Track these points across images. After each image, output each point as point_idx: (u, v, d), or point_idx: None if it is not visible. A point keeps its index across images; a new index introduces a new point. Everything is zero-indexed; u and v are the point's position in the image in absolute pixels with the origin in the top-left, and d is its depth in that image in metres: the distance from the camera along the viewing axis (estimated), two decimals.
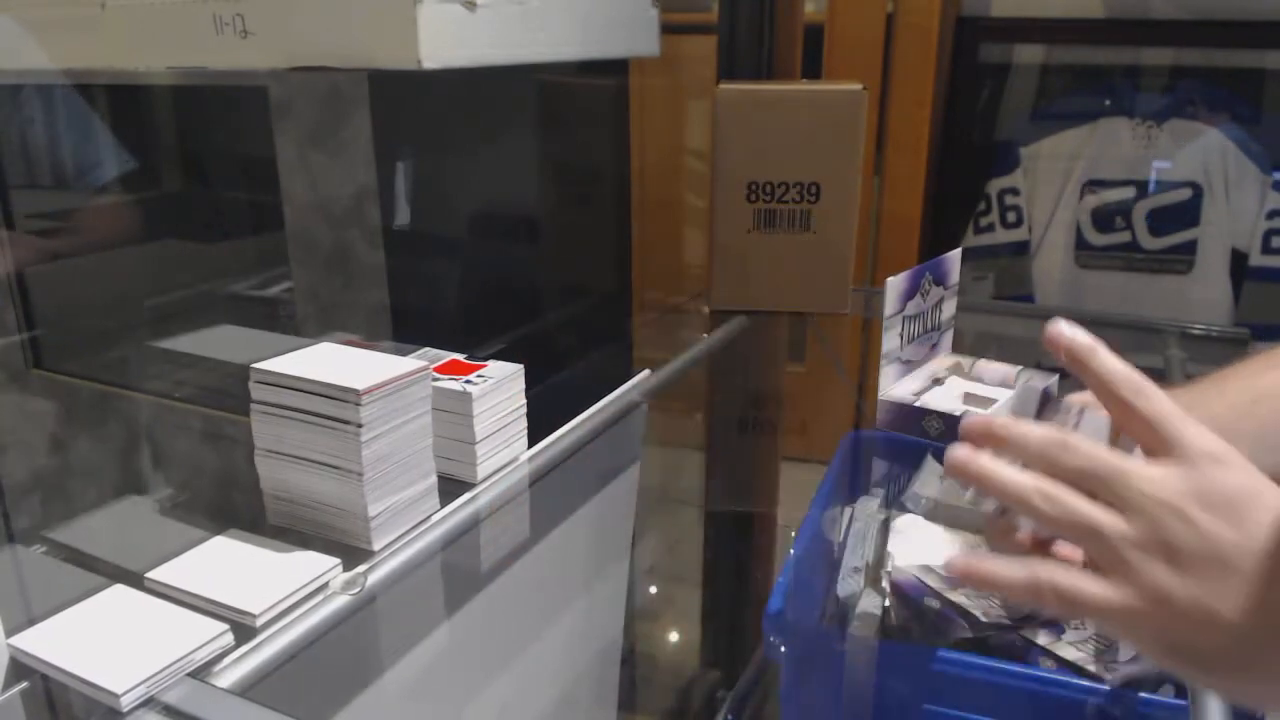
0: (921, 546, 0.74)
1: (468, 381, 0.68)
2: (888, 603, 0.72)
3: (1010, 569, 0.41)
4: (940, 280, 0.92)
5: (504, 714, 0.78)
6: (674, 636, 1.37)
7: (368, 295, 1.00)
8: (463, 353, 0.72)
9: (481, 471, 0.69)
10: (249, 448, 0.63)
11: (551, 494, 0.76)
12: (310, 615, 0.55)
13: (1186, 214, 1.89)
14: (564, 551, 0.83)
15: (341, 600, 0.57)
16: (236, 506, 0.75)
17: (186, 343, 1.17)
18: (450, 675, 0.71)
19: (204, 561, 0.58)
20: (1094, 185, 1.95)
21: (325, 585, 0.57)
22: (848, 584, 0.76)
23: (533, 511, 0.74)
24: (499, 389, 0.69)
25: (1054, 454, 0.41)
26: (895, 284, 0.85)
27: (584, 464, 0.80)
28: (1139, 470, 0.40)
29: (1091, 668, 0.62)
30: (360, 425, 0.57)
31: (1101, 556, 0.40)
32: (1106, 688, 0.60)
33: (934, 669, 0.62)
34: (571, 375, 1.06)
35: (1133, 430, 0.42)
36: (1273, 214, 1.83)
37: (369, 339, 1.01)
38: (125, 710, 0.47)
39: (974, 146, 2.06)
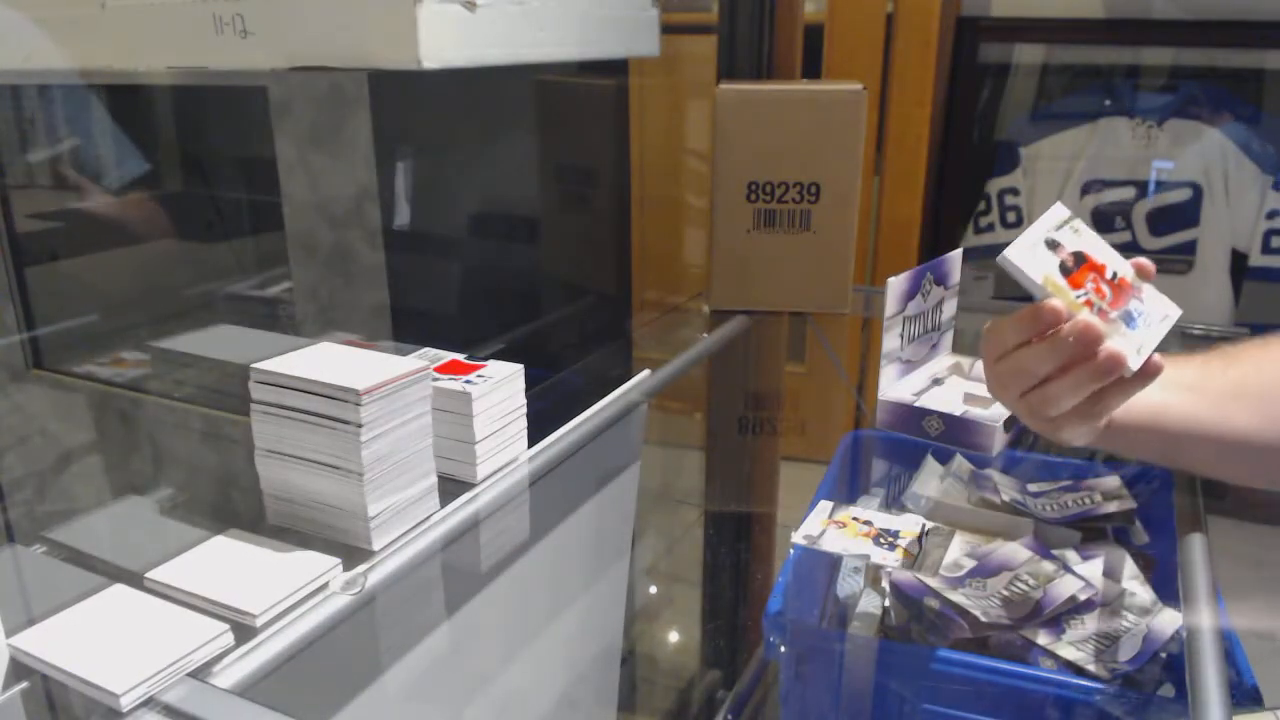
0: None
1: (468, 381, 0.68)
2: (887, 603, 0.72)
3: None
4: (941, 280, 0.92)
5: (504, 714, 0.78)
6: (674, 636, 1.37)
7: (368, 295, 1.00)
8: (463, 353, 0.72)
9: (481, 471, 0.69)
10: (249, 448, 0.62)
11: (551, 494, 0.76)
12: (310, 615, 0.55)
13: (1186, 214, 1.89)
14: (564, 551, 0.83)
15: (341, 600, 0.57)
16: (236, 506, 0.75)
17: (186, 343, 1.17)
18: (450, 676, 0.71)
19: (204, 561, 0.58)
20: (1094, 185, 1.95)
21: (325, 585, 0.57)
22: (848, 584, 0.76)
23: (533, 511, 0.74)
24: (499, 389, 0.69)
25: None
26: (896, 284, 0.85)
27: (584, 464, 0.80)
28: None
29: (1091, 668, 0.62)
30: (360, 425, 0.57)
31: None
32: (1106, 688, 0.60)
33: (934, 669, 0.62)
34: (571, 375, 1.06)
35: None
36: (1273, 214, 1.83)
37: (369, 339, 1.01)
38: (125, 710, 0.47)
39: (974, 146, 2.06)
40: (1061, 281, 0.58)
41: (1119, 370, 0.56)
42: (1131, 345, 0.57)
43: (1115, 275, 0.60)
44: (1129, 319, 0.59)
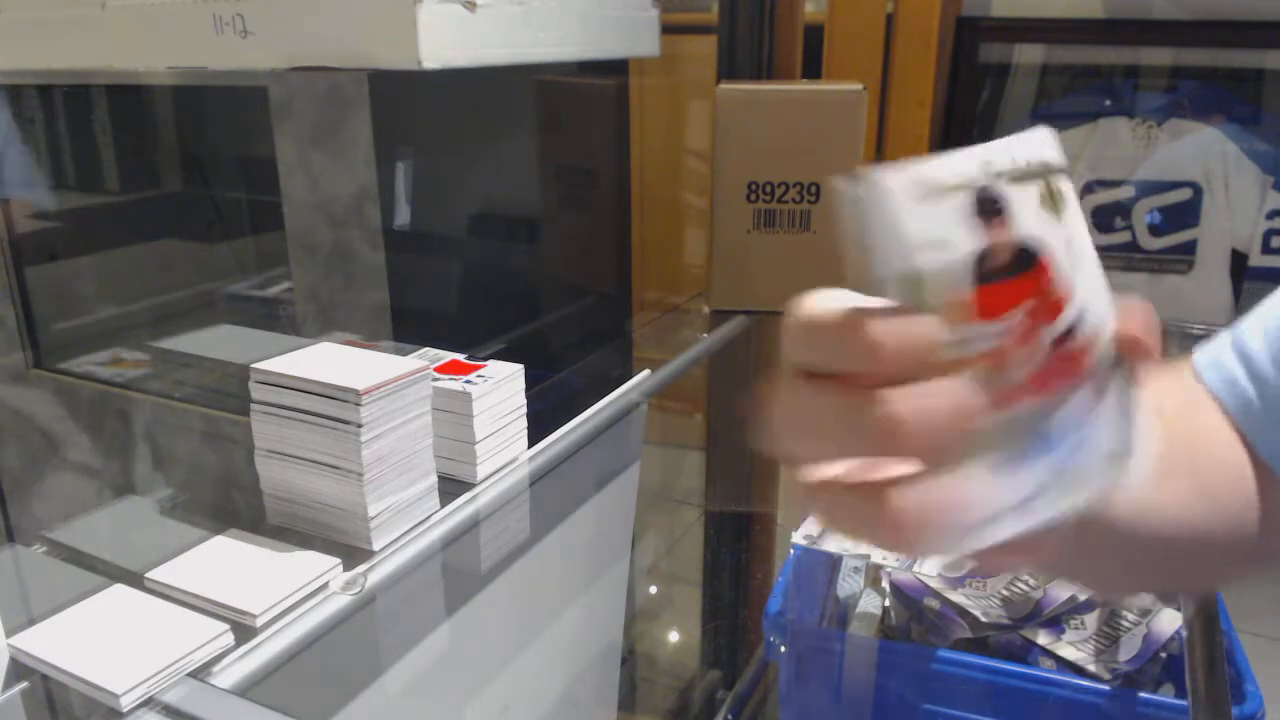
0: None
1: (468, 381, 0.68)
2: (887, 603, 0.72)
3: None
4: None
5: (504, 714, 0.78)
6: (674, 636, 1.37)
7: (368, 295, 1.00)
8: (463, 353, 0.72)
9: (481, 471, 0.69)
10: (249, 448, 0.63)
11: (551, 494, 0.76)
12: (310, 615, 0.55)
13: (1186, 214, 1.89)
14: (564, 551, 0.83)
15: (341, 600, 0.57)
16: (236, 506, 0.75)
17: (186, 343, 1.17)
18: (450, 675, 0.71)
19: (204, 561, 0.58)
20: (1094, 185, 1.95)
21: (325, 585, 0.57)
22: (848, 584, 0.77)
23: (533, 511, 0.74)
24: (499, 389, 0.69)
25: None
26: None
27: (584, 464, 0.80)
28: None
29: (1091, 668, 0.62)
30: (360, 425, 0.57)
31: None
32: (1106, 688, 0.60)
33: (934, 669, 0.62)
34: (571, 375, 1.06)
35: None
36: (1273, 214, 1.83)
37: (369, 339, 1.01)
38: (125, 710, 0.47)
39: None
40: (967, 286, 0.24)
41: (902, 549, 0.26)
42: (993, 498, 0.25)
43: (1074, 329, 0.26)
44: (1043, 437, 0.25)
